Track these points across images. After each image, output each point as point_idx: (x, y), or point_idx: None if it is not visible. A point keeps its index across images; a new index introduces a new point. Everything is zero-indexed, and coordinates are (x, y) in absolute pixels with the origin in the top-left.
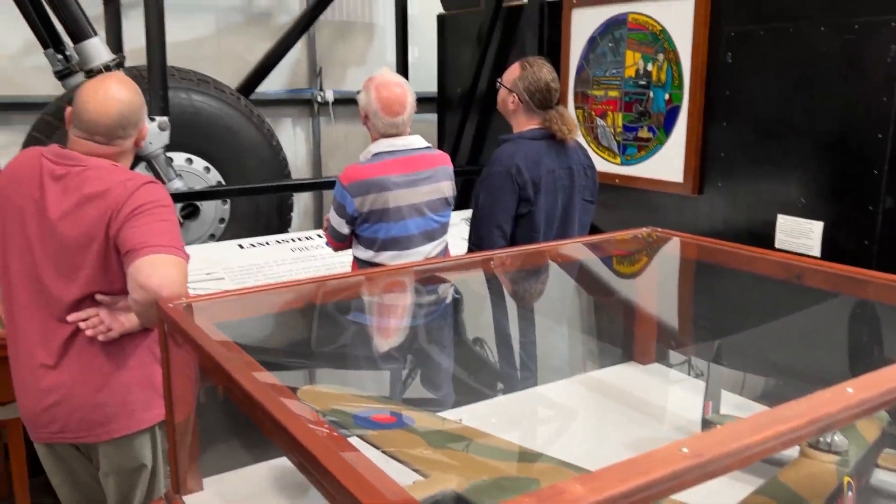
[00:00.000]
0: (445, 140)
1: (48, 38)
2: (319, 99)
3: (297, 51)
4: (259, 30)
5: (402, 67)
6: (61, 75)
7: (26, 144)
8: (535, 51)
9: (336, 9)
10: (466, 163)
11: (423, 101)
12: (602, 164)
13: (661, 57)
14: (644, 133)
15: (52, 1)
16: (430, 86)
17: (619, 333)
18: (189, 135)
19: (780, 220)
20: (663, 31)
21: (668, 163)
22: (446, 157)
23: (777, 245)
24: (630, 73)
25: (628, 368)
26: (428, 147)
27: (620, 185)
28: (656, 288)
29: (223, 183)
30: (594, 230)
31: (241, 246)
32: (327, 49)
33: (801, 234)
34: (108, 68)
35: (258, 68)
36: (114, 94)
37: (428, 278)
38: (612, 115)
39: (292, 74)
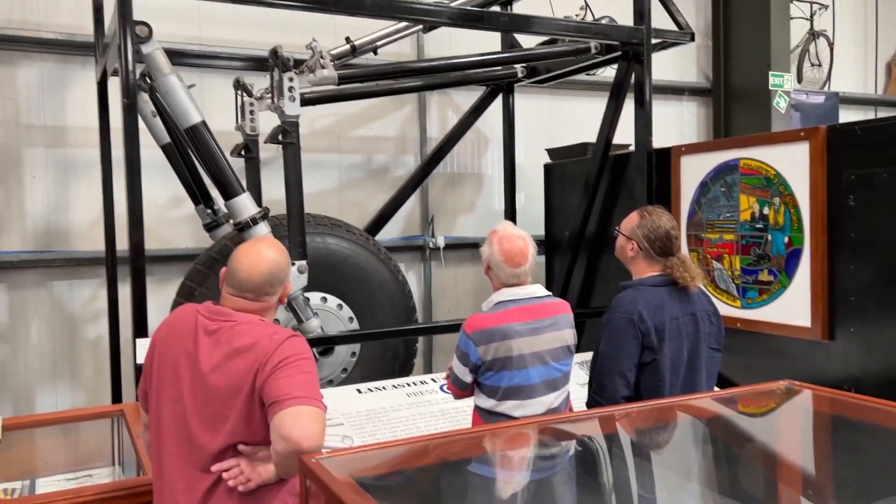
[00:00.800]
0: (554, 282)
1: (199, 196)
2: (431, 245)
3: (411, 201)
4: (377, 183)
5: (511, 212)
6: (209, 227)
7: (180, 292)
8: (644, 196)
9: (447, 162)
10: (576, 305)
11: None
12: (721, 308)
13: (777, 200)
14: (765, 276)
15: (206, 165)
16: (537, 229)
17: (759, 496)
18: (323, 275)
19: None
20: (777, 175)
21: (793, 307)
22: (567, 304)
23: None
24: (745, 216)
25: None
26: (548, 295)
27: (742, 330)
28: (799, 447)
29: (354, 318)
30: (719, 377)
31: (359, 391)
32: (439, 198)
33: None
34: (254, 220)
35: (377, 217)
36: (264, 255)
37: (553, 433)
38: (728, 258)
39: (406, 222)
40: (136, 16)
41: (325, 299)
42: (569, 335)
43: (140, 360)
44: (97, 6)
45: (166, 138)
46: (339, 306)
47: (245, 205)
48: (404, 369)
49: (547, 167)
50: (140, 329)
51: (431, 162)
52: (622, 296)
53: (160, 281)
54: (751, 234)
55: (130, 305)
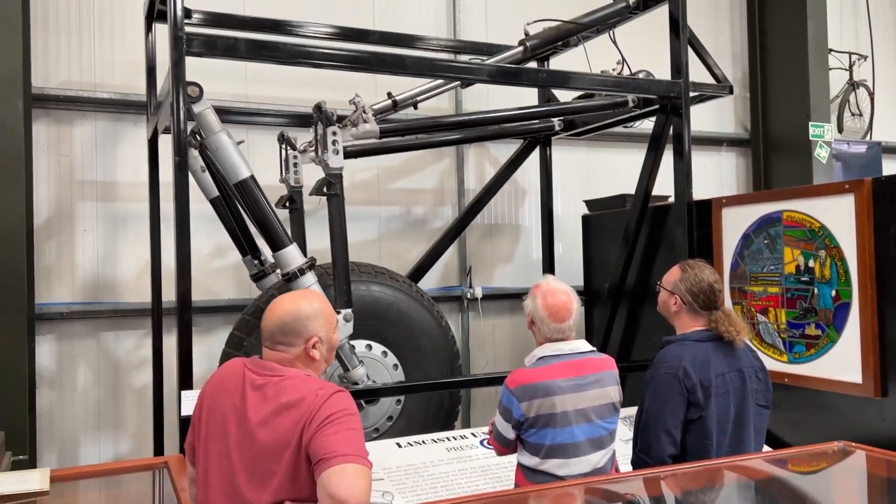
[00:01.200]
0: (594, 335)
1: (247, 247)
2: (469, 295)
3: (449, 252)
4: (416, 234)
5: (549, 263)
6: (256, 278)
7: (229, 342)
8: (685, 248)
9: (485, 214)
10: (617, 358)
11: None
12: (767, 362)
13: (822, 253)
14: (812, 330)
15: (255, 217)
16: (576, 280)
17: None
18: (368, 322)
19: None
20: (822, 227)
21: (842, 362)
22: (612, 361)
23: None
24: (790, 269)
25: None
26: (592, 351)
27: (790, 385)
28: None
29: (399, 365)
30: (767, 434)
31: (399, 445)
32: (476, 249)
33: None
34: (301, 271)
35: (416, 268)
36: (283, 304)
37: (600, 494)
38: (774, 311)
39: (444, 273)
40: (187, 76)
41: (370, 346)
42: (614, 392)
43: (185, 412)
44: (150, 67)
45: (214, 192)
46: (384, 353)
47: (293, 255)
48: (450, 416)
49: (585, 218)
50: (185, 381)
51: (469, 213)
52: (666, 351)
53: (203, 331)
54: (796, 287)
55: (176, 357)
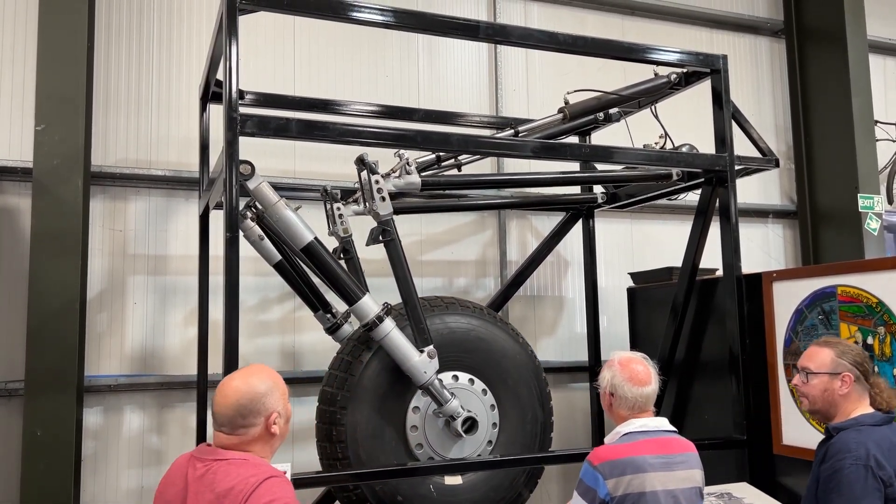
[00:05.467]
0: None
1: (317, 303)
2: None
3: None
4: None
5: (593, 336)
6: (331, 331)
7: (321, 399)
8: (735, 321)
9: (527, 286)
10: None
11: None
12: None
13: (882, 330)
14: None
15: (327, 275)
16: None
17: None
18: (448, 353)
19: None
20: (880, 303)
21: None
22: (692, 444)
23: None
24: None
25: None
26: (676, 431)
27: None
28: None
29: (488, 390)
30: None
31: None
32: (519, 321)
33: None
34: (380, 318)
35: None
36: (234, 387)
37: None
38: None
39: None
40: (240, 153)
41: (456, 377)
42: (699, 476)
43: None
44: (203, 145)
45: (277, 257)
46: (471, 381)
47: (369, 306)
48: (545, 430)
49: (630, 291)
50: None
51: (512, 285)
52: (844, 439)
53: None
54: None
55: None
